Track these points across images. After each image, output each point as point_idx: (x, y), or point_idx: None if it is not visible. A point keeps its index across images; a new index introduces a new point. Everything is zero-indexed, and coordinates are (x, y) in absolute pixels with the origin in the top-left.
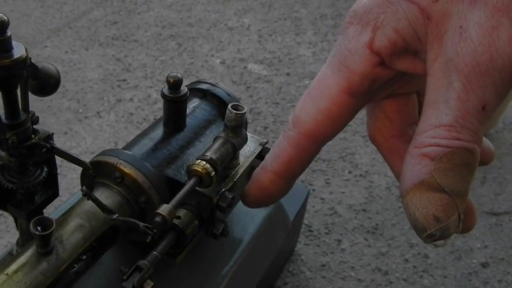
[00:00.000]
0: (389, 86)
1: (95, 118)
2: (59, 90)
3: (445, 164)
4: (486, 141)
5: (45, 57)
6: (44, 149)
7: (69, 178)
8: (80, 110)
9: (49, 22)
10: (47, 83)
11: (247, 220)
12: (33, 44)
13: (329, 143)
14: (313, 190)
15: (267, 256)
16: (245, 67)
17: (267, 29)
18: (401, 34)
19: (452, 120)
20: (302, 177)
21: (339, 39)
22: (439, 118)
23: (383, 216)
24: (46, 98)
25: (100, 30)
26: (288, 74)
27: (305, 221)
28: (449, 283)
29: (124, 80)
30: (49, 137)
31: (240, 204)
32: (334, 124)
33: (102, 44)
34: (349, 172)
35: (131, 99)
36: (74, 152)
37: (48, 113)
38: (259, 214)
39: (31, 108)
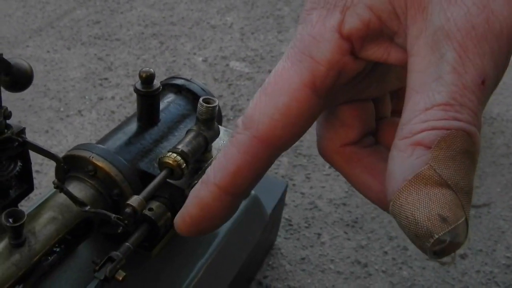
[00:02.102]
0: (352, 86)
1: (76, 117)
2: (40, 89)
3: (445, 151)
4: None
5: (27, 56)
6: (17, 143)
7: (50, 176)
8: (62, 109)
9: (31, 22)
10: (19, 79)
11: None
12: (15, 44)
13: (310, 138)
14: (294, 185)
15: (243, 249)
16: (227, 65)
17: (249, 27)
18: (376, 11)
19: (448, 97)
20: (282, 172)
21: (298, 29)
22: (430, 99)
23: (363, 210)
24: (28, 98)
25: (82, 29)
26: (269, 71)
27: (285, 216)
28: (427, 274)
29: (106, 78)
30: (22, 131)
31: None
32: (293, 126)
33: (84, 44)
34: (330, 167)
35: (113, 97)
36: (55, 150)
37: (29, 112)
38: None
39: (12, 108)
